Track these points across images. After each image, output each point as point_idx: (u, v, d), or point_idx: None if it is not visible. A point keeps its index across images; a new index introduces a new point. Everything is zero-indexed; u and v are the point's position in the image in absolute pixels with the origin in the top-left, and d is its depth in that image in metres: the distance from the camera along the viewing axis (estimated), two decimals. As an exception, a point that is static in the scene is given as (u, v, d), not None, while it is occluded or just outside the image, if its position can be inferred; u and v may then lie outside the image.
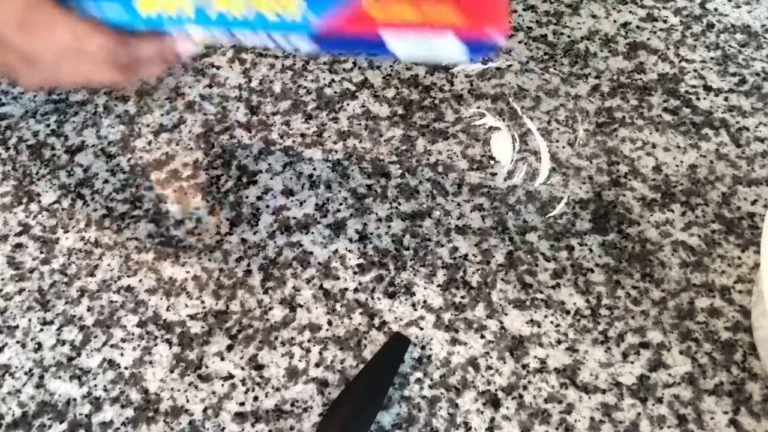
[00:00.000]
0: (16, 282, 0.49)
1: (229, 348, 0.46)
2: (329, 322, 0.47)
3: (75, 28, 0.27)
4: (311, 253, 0.50)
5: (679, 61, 0.61)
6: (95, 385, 0.45)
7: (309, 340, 0.47)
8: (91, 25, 0.27)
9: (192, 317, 0.48)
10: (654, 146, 0.56)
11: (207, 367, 0.46)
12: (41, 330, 0.47)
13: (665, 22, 0.64)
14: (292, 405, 0.44)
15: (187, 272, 0.49)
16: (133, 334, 0.47)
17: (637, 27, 0.64)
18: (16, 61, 0.28)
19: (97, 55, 0.27)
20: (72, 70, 0.28)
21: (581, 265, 0.50)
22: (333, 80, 0.60)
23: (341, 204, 0.53)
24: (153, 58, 0.30)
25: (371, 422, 0.42)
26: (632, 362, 0.46)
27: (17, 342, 0.47)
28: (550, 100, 0.59)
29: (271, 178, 0.54)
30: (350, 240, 0.51)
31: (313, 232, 0.51)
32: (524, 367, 0.45)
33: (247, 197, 0.53)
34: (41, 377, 0.45)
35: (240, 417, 0.44)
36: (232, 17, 0.35)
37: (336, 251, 0.50)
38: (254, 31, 0.36)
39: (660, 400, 0.44)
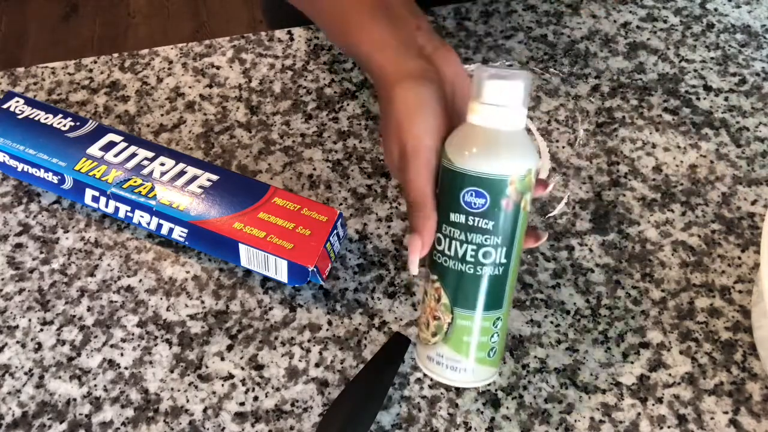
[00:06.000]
0: (16, 282, 0.49)
1: (229, 348, 0.46)
2: (329, 322, 0.47)
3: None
4: (311, 253, 0.50)
5: (679, 61, 0.61)
6: (95, 385, 0.45)
7: (309, 340, 0.47)
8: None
9: (192, 317, 0.48)
10: (654, 146, 0.56)
11: (207, 367, 0.46)
12: (41, 330, 0.47)
13: (665, 22, 0.64)
14: (292, 405, 0.44)
15: (187, 272, 0.49)
16: (133, 334, 0.47)
17: (637, 27, 0.64)
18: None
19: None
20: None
21: (581, 265, 0.50)
22: (333, 80, 0.60)
23: (341, 204, 0.53)
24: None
25: (371, 422, 0.42)
26: (632, 362, 0.46)
27: (17, 342, 0.47)
28: (550, 100, 0.59)
29: (271, 178, 0.54)
30: (350, 240, 0.51)
31: (313, 232, 0.51)
32: (524, 367, 0.45)
33: (247, 197, 0.53)
34: (41, 377, 0.45)
35: (240, 417, 0.44)
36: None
37: (336, 251, 0.50)
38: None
39: (660, 400, 0.44)
